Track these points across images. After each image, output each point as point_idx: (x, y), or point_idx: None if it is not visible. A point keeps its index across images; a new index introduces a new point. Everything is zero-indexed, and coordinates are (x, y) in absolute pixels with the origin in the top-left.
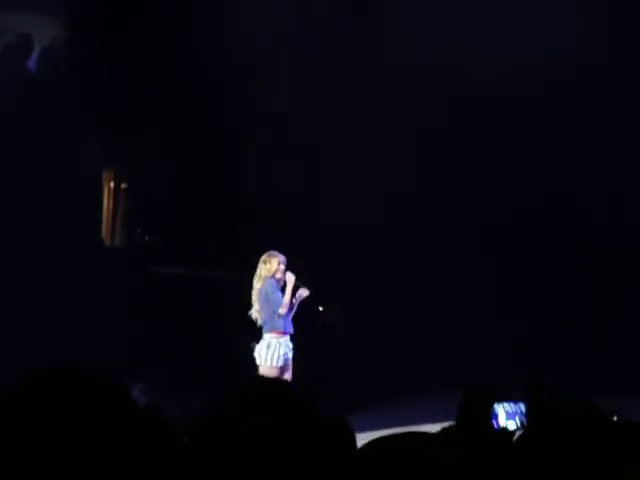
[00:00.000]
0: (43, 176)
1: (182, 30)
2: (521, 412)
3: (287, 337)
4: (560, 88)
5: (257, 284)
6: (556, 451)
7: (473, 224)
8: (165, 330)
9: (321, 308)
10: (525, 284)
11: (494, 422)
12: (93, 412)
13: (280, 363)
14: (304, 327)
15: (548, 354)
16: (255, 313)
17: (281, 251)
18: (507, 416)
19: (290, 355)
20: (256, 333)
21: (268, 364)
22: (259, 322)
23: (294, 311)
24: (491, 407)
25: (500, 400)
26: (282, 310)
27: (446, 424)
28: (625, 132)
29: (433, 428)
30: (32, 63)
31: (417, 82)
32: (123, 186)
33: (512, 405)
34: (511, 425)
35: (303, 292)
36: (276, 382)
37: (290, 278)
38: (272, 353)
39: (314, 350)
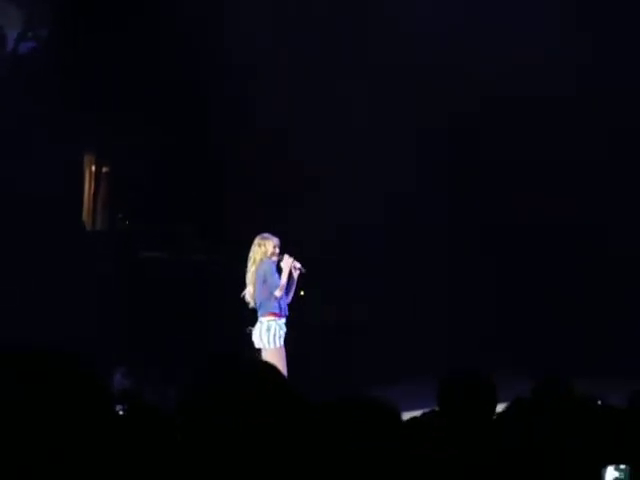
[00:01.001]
0: (23, 161)
1: (170, 15)
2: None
3: (284, 319)
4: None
5: (252, 267)
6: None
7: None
8: (148, 314)
9: (302, 293)
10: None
11: None
12: (61, 395)
13: (282, 343)
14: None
15: (546, 349)
16: (249, 296)
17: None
18: None
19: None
20: (244, 316)
21: (272, 346)
22: (252, 305)
23: (291, 295)
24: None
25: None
26: (278, 292)
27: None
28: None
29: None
30: (12, 48)
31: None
32: (104, 170)
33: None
34: None
35: (296, 264)
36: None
37: (287, 261)
38: (274, 335)
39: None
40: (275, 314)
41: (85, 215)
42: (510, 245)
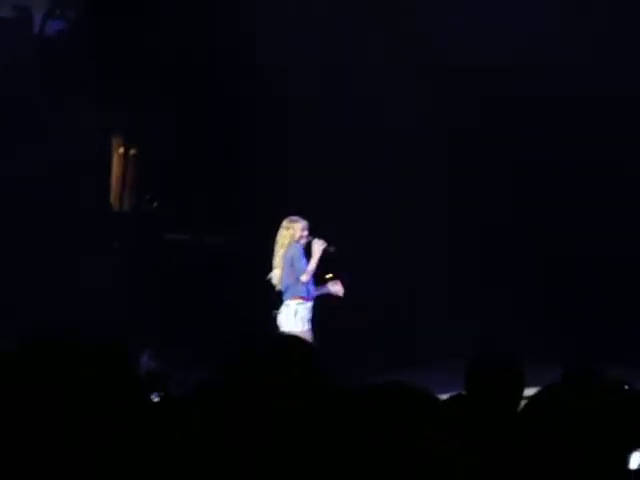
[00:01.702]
0: (52, 143)
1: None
2: None
3: (311, 303)
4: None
5: (280, 250)
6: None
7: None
8: (175, 296)
9: (330, 275)
10: (558, 268)
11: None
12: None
13: (308, 326)
14: None
15: (578, 337)
16: (275, 279)
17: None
18: None
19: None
20: (270, 299)
21: (299, 329)
22: (278, 287)
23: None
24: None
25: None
26: (304, 277)
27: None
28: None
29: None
30: (39, 29)
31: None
32: (132, 152)
33: None
34: None
35: (328, 247)
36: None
37: (318, 244)
38: (301, 318)
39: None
40: (302, 297)
41: (113, 197)
42: (547, 227)
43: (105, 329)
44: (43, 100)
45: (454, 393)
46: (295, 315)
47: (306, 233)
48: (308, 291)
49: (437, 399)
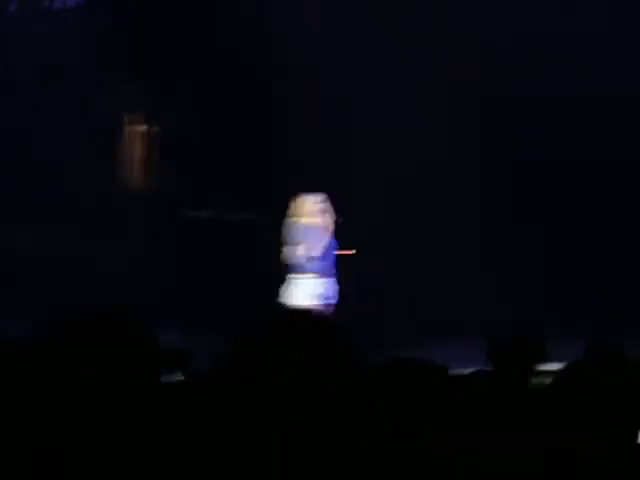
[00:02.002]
0: (73, 120)
1: None
2: None
3: (316, 279)
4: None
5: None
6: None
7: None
8: (198, 274)
9: (354, 251)
10: (579, 244)
11: None
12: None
13: (314, 302)
14: None
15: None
16: (282, 255)
17: None
18: None
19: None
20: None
21: (304, 303)
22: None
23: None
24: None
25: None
26: (300, 252)
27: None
28: None
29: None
30: (58, 3)
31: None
32: (153, 130)
33: None
34: None
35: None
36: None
37: (324, 219)
38: (302, 294)
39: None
40: (305, 273)
41: (134, 176)
42: (564, 206)
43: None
44: (63, 77)
45: (474, 369)
46: (295, 290)
47: (312, 209)
48: (311, 267)
49: (457, 376)
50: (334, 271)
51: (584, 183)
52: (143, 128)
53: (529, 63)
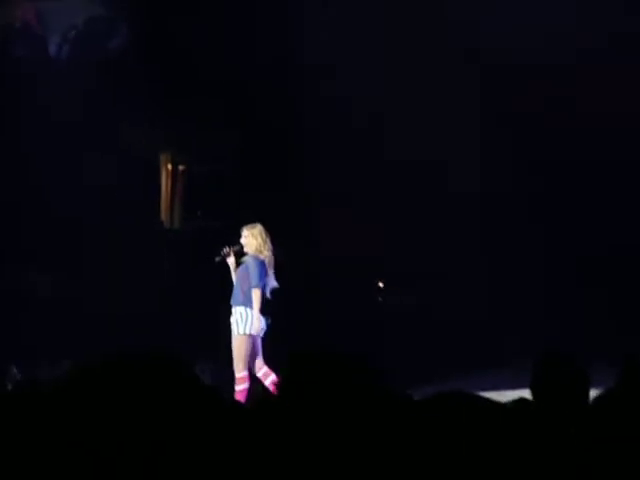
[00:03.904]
0: (101, 159)
1: (248, 14)
2: None
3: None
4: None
5: None
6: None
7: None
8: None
9: (381, 284)
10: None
11: None
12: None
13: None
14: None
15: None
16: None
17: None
18: None
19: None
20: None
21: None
22: None
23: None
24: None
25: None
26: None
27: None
28: None
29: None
30: (90, 45)
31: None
32: (181, 168)
33: None
34: None
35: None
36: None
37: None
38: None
39: (376, 323)
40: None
41: (163, 214)
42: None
43: (160, 346)
44: (92, 113)
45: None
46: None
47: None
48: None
49: (502, 406)
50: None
51: (615, 208)
52: (171, 166)
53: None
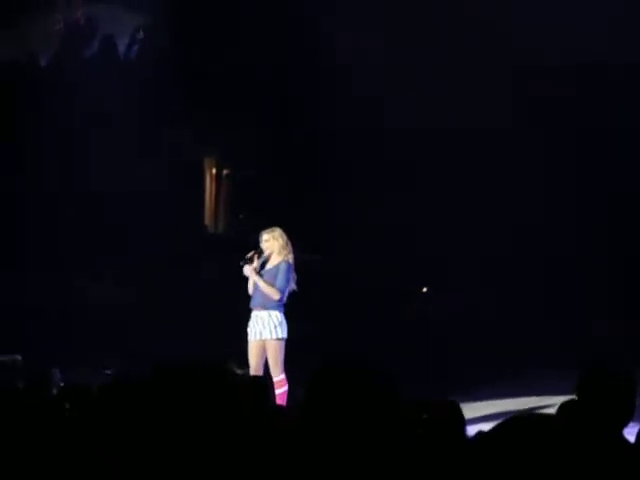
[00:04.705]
0: (146, 164)
1: (285, 20)
2: None
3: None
4: None
5: None
6: None
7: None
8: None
9: (425, 289)
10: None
11: None
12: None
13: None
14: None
15: None
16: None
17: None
18: None
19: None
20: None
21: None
22: None
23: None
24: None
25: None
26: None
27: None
28: None
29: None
30: (134, 52)
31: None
32: (225, 172)
33: None
34: None
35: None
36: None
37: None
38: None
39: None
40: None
41: (207, 218)
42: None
43: (203, 353)
44: (135, 121)
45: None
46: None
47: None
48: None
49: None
50: None
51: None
52: (217, 170)
53: None
